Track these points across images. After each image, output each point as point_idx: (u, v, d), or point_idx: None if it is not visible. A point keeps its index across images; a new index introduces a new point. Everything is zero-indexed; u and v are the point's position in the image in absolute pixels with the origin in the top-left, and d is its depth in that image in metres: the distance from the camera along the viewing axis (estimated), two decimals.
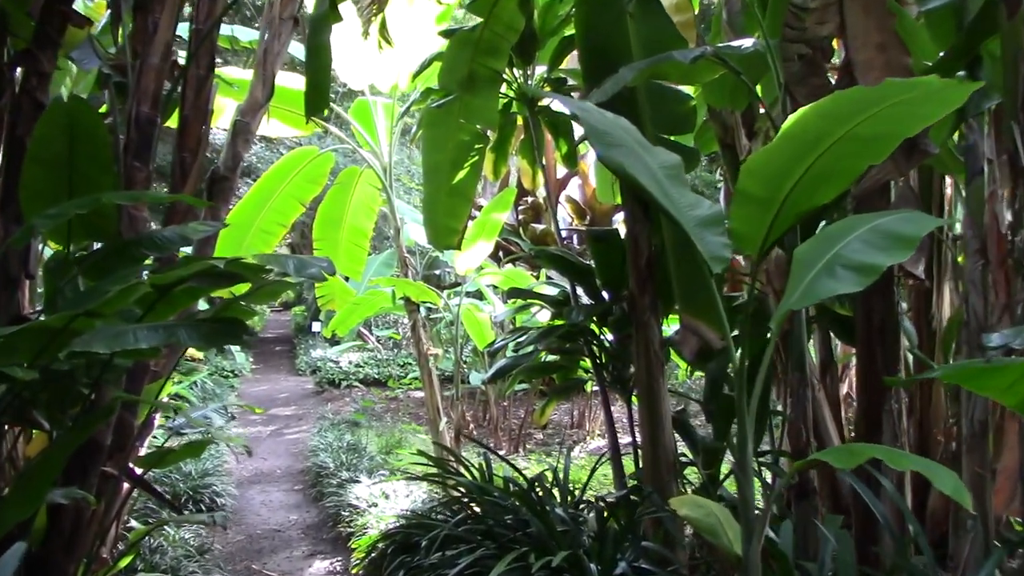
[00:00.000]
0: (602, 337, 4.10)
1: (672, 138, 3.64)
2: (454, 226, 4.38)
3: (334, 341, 13.41)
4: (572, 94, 4.56)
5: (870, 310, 2.93)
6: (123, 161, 3.03)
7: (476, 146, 4.34)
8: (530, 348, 4.03)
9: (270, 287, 2.83)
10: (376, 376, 12.25)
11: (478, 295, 8.37)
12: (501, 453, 7.98)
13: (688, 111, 3.65)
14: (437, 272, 11.72)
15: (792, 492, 3.10)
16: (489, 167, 4.88)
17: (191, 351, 7.57)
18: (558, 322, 5.49)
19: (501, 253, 10.57)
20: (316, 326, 15.31)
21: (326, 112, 6.07)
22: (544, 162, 4.79)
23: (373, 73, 5.66)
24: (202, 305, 3.73)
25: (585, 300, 4.14)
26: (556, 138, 4.86)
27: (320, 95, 3.43)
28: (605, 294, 4.03)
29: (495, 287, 8.09)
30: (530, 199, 10.56)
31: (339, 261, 6.97)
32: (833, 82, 3.04)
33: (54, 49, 2.97)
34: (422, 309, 6.52)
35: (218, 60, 3.55)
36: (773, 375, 3.59)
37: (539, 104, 4.51)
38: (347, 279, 7.56)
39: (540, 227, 10.28)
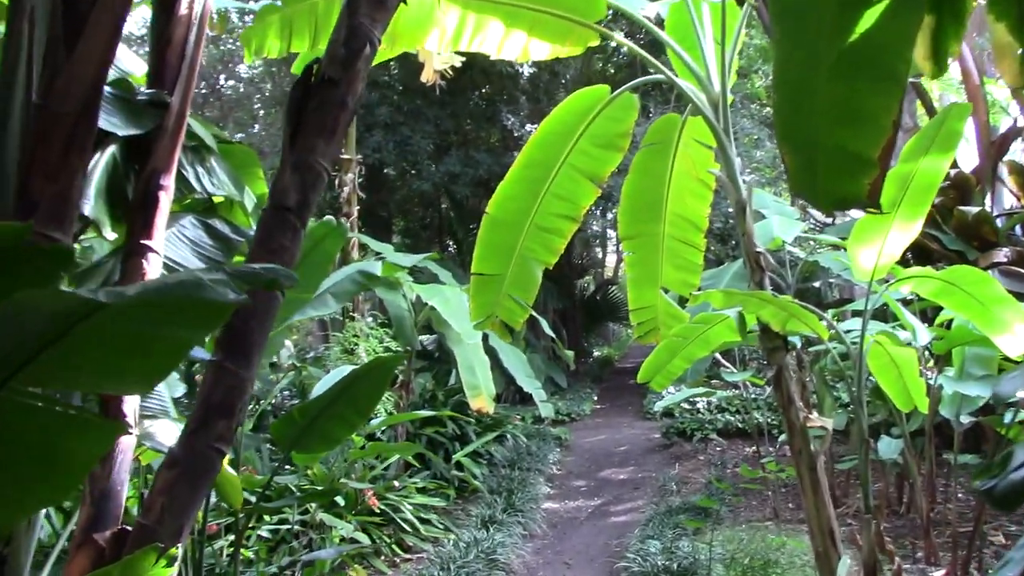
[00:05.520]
0: None
1: None
2: (856, 149, 1.78)
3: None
4: None
5: None
6: None
7: None
8: None
9: None
10: (740, 425, 9.47)
11: (880, 316, 5.45)
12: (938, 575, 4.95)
13: None
14: (816, 284, 8.60)
15: None
16: (924, 44, 2.21)
17: (479, 402, 5.71)
18: None
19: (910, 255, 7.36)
20: None
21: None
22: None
23: None
24: None
25: None
26: None
27: None
28: None
29: (906, 303, 5.13)
30: (951, 171, 7.20)
31: (663, 270, 4.67)
32: None
33: None
34: (793, 342, 3.91)
35: None
36: None
37: None
38: (683, 302, 5.09)
39: (973, 210, 6.92)
